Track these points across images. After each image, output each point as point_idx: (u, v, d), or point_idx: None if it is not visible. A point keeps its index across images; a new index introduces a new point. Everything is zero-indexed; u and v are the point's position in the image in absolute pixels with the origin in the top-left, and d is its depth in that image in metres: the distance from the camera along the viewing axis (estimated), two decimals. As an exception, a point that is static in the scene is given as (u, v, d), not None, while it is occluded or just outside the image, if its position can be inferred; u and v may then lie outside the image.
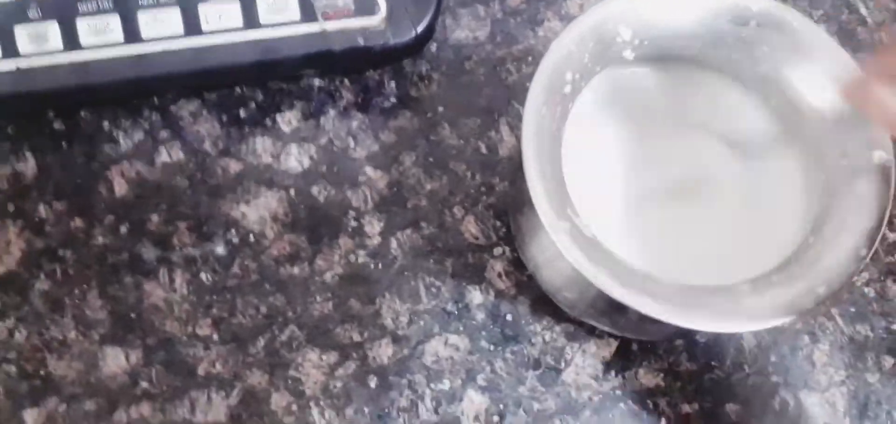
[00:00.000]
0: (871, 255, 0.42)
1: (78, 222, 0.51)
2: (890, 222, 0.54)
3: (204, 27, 0.49)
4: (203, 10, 0.49)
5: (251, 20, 0.49)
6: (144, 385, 0.48)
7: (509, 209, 0.52)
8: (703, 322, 0.42)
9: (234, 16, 0.49)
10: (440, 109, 0.55)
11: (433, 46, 0.56)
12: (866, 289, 0.53)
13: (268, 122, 0.54)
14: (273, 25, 0.49)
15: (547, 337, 0.51)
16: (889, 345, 0.52)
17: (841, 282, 0.41)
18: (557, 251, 0.41)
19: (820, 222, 0.44)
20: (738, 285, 0.42)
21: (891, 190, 0.43)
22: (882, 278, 0.54)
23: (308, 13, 0.50)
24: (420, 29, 0.51)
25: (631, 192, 0.47)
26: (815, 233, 0.44)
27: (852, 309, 0.53)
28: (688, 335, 0.51)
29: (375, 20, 0.50)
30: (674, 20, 0.47)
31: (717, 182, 0.48)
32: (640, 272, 0.42)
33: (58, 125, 0.52)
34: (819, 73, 0.46)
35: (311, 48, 0.50)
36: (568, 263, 0.40)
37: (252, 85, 0.54)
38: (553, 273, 0.49)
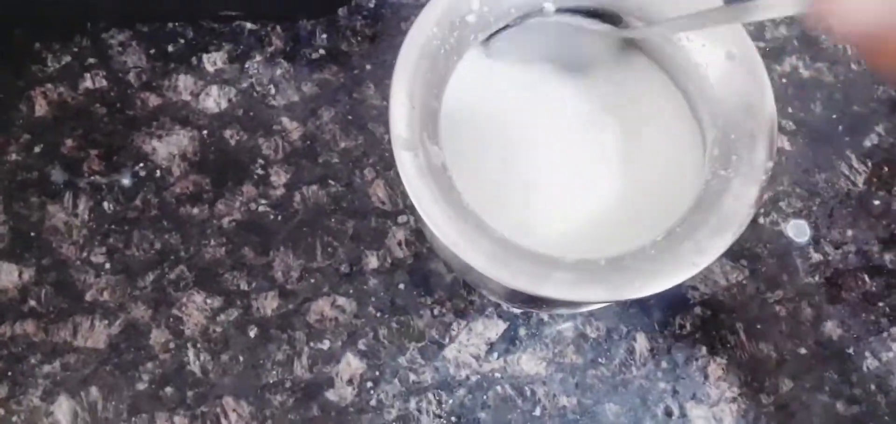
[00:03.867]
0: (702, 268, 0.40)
1: (-6, 137, 0.52)
2: (816, 242, 0.52)
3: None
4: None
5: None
6: (32, 303, 0.49)
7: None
8: (509, 279, 0.39)
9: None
10: (368, 67, 0.55)
11: (372, 2, 0.56)
12: (778, 308, 0.52)
13: (194, 60, 0.54)
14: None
15: (436, 311, 0.50)
16: (792, 369, 0.50)
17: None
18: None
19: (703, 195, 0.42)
20: (564, 258, 0.40)
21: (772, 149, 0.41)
22: (797, 298, 0.52)
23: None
24: (349, -22, 0.51)
25: (509, 143, 0.46)
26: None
27: (759, 326, 0.51)
28: (578, 323, 0.50)
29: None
30: None
31: (604, 145, 0.46)
32: (474, 214, 0.40)
33: (-10, 42, 0.54)
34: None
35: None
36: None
37: (180, 19, 0.55)
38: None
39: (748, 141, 0.41)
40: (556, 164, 0.45)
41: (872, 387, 0.50)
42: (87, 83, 0.54)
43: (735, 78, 0.43)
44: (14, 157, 0.52)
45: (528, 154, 0.45)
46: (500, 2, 0.44)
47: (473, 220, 0.40)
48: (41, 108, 0.53)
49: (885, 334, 0.51)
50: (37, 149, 0.52)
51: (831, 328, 0.51)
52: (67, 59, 0.54)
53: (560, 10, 0.46)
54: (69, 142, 0.52)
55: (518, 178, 0.45)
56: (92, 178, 0.52)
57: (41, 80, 0.53)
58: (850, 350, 0.51)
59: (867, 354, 0.51)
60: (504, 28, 0.46)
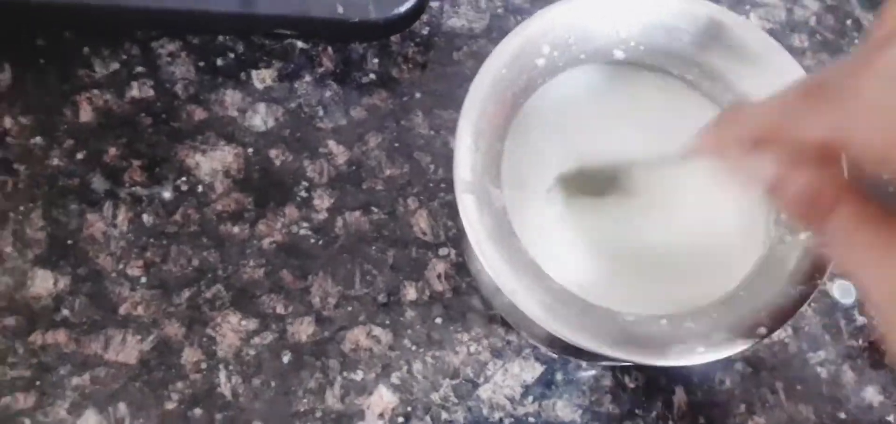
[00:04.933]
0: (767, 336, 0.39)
1: (38, 140, 0.52)
2: (861, 304, 0.52)
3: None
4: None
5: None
6: (65, 312, 0.49)
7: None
8: (568, 333, 0.39)
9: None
10: (417, 94, 0.54)
11: (425, 29, 0.55)
12: (819, 369, 0.51)
13: (242, 76, 0.54)
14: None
15: (472, 349, 0.50)
16: (831, 434, 0.49)
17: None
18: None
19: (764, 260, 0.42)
20: (625, 314, 0.40)
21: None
22: (839, 361, 0.51)
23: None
24: (404, 8, 0.51)
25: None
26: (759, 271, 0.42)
27: (799, 387, 0.50)
28: (617, 372, 0.50)
29: (360, -10, 0.50)
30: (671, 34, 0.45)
31: (667, 202, 0.45)
32: (533, 262, 0.40)
33: (40, 42, 0.54)
34: (768, 82, 0.43)
35: (290, 9, 0.50)
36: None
37: (233, 35, 0.54)
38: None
39: None
40: (613, 209, 0.44)
41: (913, 460, 0.49)
42: (134, 92, 0.53)
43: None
44: (56, 162, 0.51)
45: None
46: (570, 47, 0.44)
47: (533, 268, 0.40)
48: (86, 114, 0.53)
49: (929, 405, 0.50)
50: (79, 155, 0.52)
51: (872, 395, 0.50)
52: (115, 65, 0.54)
53: (629, 62, 0.46)
54: (112, 150, 0.52)
55: (577, 223, 0.44)
56: (133, 188, 0.51)
57: (88, 85, 0.53)
58: (891, 418, 0.50)
59: (909, 425, 0.50)
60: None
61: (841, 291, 0.53)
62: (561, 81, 0.46)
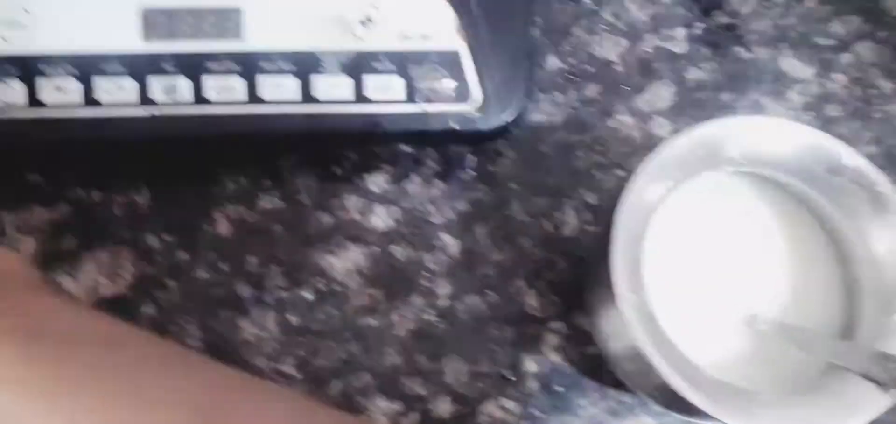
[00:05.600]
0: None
1: (183, 256, 0.57)
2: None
3: (318, 97, 0.54)
4: (315, 81, 0.54)
5: (360, 95, 0.55)
6: (233, 411, 0.53)
7: (585, 281, 0.57)
8: (732, 416, 0.45)
9: (346, 90, 0.54)
10: (513, 185, 0.60)
11: (514, 127, 0.62)
12: None
13: (357, 181, 0.59)
14: (379, 102, 0.55)
15: (592, 411, 0.56)
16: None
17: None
18: (622, 324, 0.46)
19: None
20: (761, 394, 0.46)
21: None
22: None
23: (411, 95, 0.55)
24: (508, 118, 0.57)
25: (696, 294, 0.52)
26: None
27: None
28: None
29: (470, 107, 0.56)
30: (777, 150, 0.51)
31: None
32: (686, 356, 0.46)
33: (171, 163, 0.58)
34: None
35: (410, 126, 0.56)
36: (630, 336, 0.46)
37: (354, 147, 0.60)
38: (618, 344, 0.52)
39: None
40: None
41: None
42: (264, 203, 0.58)
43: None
44: (203, 274, 0.56)
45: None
46: (689, 164, 0.51)
47: (685, 361, 0.46)
48: (224, 227, 0.57)
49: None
50: (223, 266, 0.56)
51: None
52: (244, 181, 0.58)
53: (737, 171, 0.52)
54: (252, 259, 0.57)
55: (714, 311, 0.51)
56: (276, 293, 0.56)
57: (221, 200, 0.58)
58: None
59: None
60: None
61: None
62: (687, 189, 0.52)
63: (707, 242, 0.52)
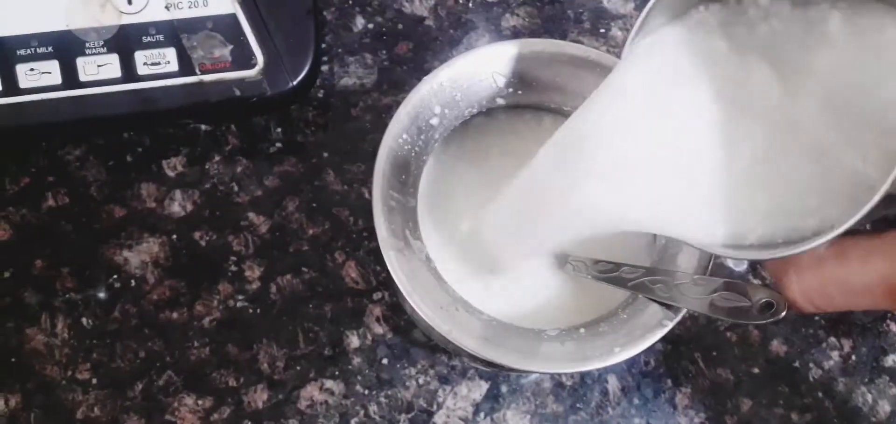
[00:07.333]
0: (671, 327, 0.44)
1: (-40, 267, 0.52)
2: (754, 269, 0.57)
3: (83, 79, 0.50)
4: (81, 64, 0.50)
5: (132, 73, 0.50)
6: (22, 429, 0.49)
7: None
8: (502, 358, 0.43)
9: (114, 68, 0.50)
10: (325, 154, 0.57)
11: (320, 92, 0.58)
12: (729, 334, 0.56)
13: (153, 167, 0.55)
14: (151, 77, 0.51)
15: (420, 380, 0.52)
16: (749, 389, 0.54)
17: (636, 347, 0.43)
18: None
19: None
20: (548, 330, 0.44)
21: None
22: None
23: (187, 66, 0.51)
24: (296, 81, 0.53)
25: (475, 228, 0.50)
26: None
27: (715, 353, 0.55)
28: (555, 377, 0.53)
29: (252, 72, 0.52)
30: (544, 73, 0.49)
31: None
32: (462, 299, 0.44)
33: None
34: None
35: (190, 99, 0.52)
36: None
37: (135, 132, 0.56)
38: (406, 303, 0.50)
39: None
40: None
41: (820, 395, 0.55)
42: (50, 202, 0.54)
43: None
44: (-18, 285, 0.52)
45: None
46: (458, 103, 0.48)
47: (462, 305, 0.44)
48: (5, 232, 0.53)
49: (823, 344, 0.56)
50: (6, 274, 0.52)
51: (777, 346, 0.56)
52: (26, 180, 0.54)
53: (509, 106, 0.50)
54: (39, 262, 0.52)
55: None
56: (67, 296, 0.52)
57: (2, 203, 0.53)
58: (796, 364, 0.56)
59: (811, 365, 0.55)
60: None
61: (734, 260, 0.58)
62: (455, 136, 0.50)
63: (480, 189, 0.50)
